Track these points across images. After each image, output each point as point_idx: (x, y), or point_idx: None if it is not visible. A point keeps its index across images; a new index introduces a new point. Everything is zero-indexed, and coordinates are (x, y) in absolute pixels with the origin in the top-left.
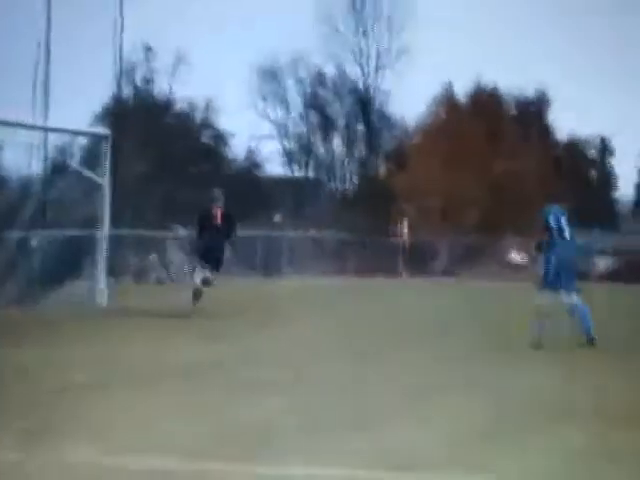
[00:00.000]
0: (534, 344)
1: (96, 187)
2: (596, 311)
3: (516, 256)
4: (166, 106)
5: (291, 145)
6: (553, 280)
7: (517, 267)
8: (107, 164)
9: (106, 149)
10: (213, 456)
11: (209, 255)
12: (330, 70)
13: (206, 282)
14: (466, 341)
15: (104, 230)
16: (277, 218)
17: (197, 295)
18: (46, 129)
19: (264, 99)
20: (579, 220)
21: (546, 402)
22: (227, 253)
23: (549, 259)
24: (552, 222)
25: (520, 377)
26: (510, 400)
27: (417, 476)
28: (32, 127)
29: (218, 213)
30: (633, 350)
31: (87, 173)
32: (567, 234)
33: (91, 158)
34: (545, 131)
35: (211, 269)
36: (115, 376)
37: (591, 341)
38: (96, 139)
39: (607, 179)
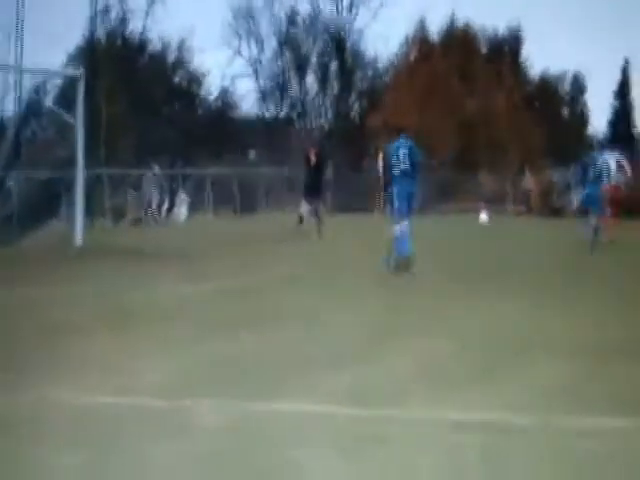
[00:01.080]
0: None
1: (70, 127)
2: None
3: (484, 216)
4: (140, 46)
5: (265, 83)
6: (400, 209)
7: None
8: (81, 104)
9: (80, 90)
10: (188, 392)
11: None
12: (304, 8)
13: (315, 213)
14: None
15: (79, 170)
16: (252, 156)
17: (300, 221)
18: (20, 69)
19: (238, 37)
20: (554, 157)
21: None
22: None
23: (392, 192)
24: (394, 157)
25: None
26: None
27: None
28: (5, 67)
29: (313, 154)
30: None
31: (61, 113)
32: (406, 166)
33: (65, 99)
34: (517, 69)
35: (316, 200)
36: (91, 315)
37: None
38: (70, 80)
39: (580, 116)
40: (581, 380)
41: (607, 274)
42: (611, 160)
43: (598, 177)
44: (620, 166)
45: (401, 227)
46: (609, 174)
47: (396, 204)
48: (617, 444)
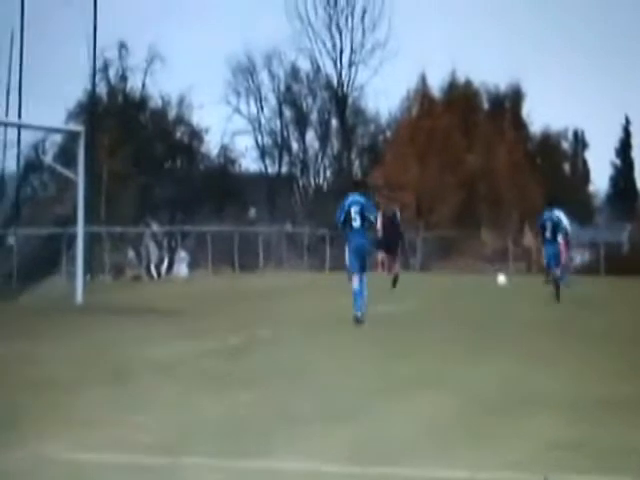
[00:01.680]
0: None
1: (71, 184)
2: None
3: (502, 278)
4: (140, 103)
5: (265, 140)
6: (352, 265)
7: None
8: (81, 161)
9: (81, 146)
10: (181, 450)
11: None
12: (304, 65)
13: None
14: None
15: (79, 227)
16: (252, 213)
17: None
18: (20, 126)
19: (238, 94)
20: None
21: None
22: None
23: (348, 247)
24: (350, 213)
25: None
26: None
27: None
28: (6, 124)
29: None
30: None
31: (62, 170)
32: (357, 223)
33: (66, 155)
34: (519, 125)
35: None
36: (91, 372)
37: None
38: (70, 136)
39: (581, 173)
40: None
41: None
42: (561, 216)
43: (553, 235)
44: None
45: (356, 282)
46: (563, 230)
47: (350, 260)
48: None
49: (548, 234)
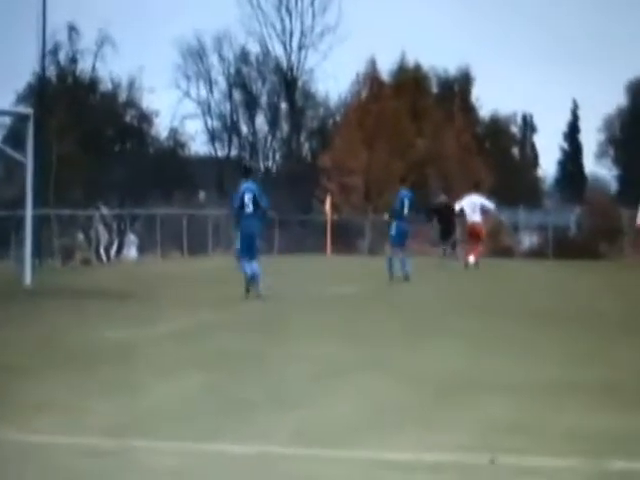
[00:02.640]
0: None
1: (20, 167)
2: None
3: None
4: (90, 85)
5: (214, 124)
6: (242, 249)
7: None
8: (30, 144)
9: (30, 128)
10: (132, 434)
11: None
12: (254, 48)
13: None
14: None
15: (28, 210)
16: (201, 196)
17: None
18: None
19: (188, 78)
20: (503, 197)
21: None
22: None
23: (240, 233)
24: (244, 199)
25: None
26: None
27: None
28: None
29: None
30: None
31: (10, 153)
32: (249, 209)
33: (15, 138)
34: (468, 109)
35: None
36: (41, 356)
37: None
38: (19, 119)
39: (530, 157)
40: None
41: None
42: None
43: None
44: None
45: (247, 266)
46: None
47: (241, 245)
48: None
49: (406, 211)
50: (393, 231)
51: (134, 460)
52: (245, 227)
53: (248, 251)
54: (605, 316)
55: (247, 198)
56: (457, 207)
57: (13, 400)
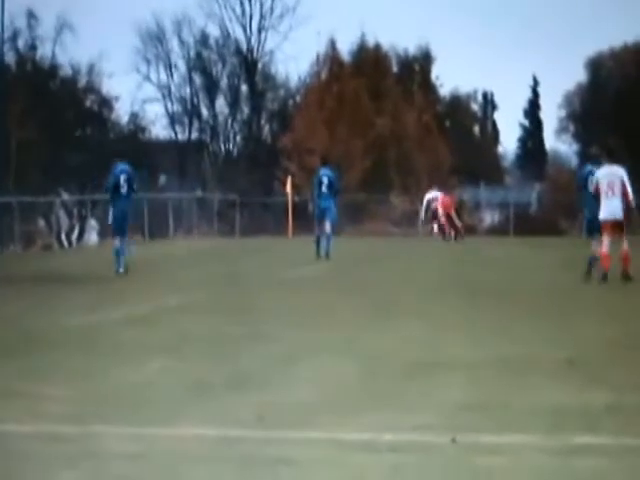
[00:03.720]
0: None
1: None
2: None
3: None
4: (50, 71)
5: (175, 107)
6: (116, 228)
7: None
8: None
9: None
10: (93, 419)
11: None
12: (214, 31)
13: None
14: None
15: None
16: (162, 180)
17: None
18: None
19: (147, 62)
20: (464, 176)
21: None
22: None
23: (113, 212)
24: (120, 180)
25: None
26: None
27: None
28: None
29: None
30: None
31: None
32: (124, 190)
33: None
34: (428, 88)
35: None
36: (2, 343)
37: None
38: None
39: (490, 134)
40: None
41: None
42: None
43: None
44: None
45: (118, 243)
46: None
47: (114, 223)
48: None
49: (324, 189)
50: (316, 210)
51: (94, 446)
52: (118, 207)
53: (121, 229)
54: (565, 291)
55: (122, 179)
56: (592, 181)
57: None
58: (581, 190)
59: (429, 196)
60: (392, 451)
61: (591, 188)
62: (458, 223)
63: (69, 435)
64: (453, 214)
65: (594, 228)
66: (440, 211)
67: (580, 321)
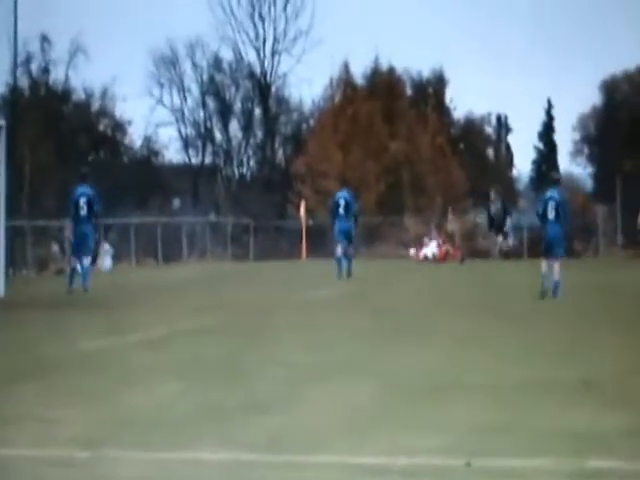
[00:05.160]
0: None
1: None
2: None
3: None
4: (63, 95)
5: (188, 131)
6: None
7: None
8: (3, 154)
9: (2, 139)
10: (107, 444)
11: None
12: (227, 55)
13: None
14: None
15: (1, 221)
16: (176, 204)
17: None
18: None
19: (161, 86)
20: (478, 199)
21: None
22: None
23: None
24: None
25: None
26: None
27: None
28: None
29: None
30: None
31: None
32: (84, 212)
33: None
34: (442, 111)
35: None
36: (13, 367)
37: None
38: None
39: (505, 157)
40: None
41: None
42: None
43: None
44: None
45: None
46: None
47: (75, 245)
48: None
49: (341, 211)
50: (335, 231)
51: (106, 471)
52: (78, 229)
53: (81, 251)
54: (583, 314)
55: (82, 202)
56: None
57: None
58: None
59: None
60: (406, 475)
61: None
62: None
63: (81, 460)
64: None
65: None
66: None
67: (598, 342)
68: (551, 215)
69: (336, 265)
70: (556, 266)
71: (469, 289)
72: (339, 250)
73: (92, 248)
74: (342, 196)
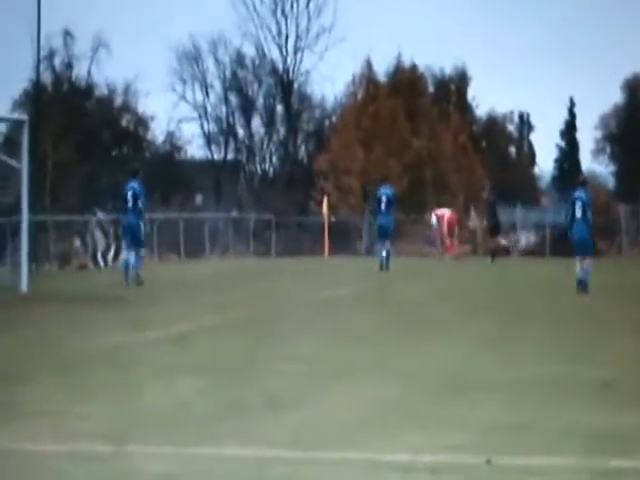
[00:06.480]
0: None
1: (16, 173)
2: None
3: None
4: (86, 91)
5: (211, 127)
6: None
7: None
8: (26, 150)
9: (25, 135)
10: (131, 439)
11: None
12: (250, 51)
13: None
14: None
15: (24, 216)
16: (198, 200)
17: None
18: None
19: (183, 82)
20: (500, 196)
21: None
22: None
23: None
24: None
25: None
26: None
27: None
28: None
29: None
30: None
31: (6, 159)
32: (130, 205)
33: (10, 144)
34: (464, 108)
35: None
36: (36, 362)
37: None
38: (15, 125)
39: (527, 155)
40: None
41: None
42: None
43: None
44: None
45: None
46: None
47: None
48: None
49: (383, 206)
50: (377, 227)
51: (130, 465)
52: (127, 220)
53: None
54: (603, 314)
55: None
56: None
57: (7, 408)
58: None
59: (438, 212)
60: (432, 472)
61: None
62: (454, 241)
63: (103, 454)
64: (455, 231)
65: None
66: (444, 229)
67: (619, 343)
68: (579, 214)
69: (378, 258)
70: (586, 263)
71: (493, 287)
72: (380, 244)
73: (142, 240)
74: (384, 192)
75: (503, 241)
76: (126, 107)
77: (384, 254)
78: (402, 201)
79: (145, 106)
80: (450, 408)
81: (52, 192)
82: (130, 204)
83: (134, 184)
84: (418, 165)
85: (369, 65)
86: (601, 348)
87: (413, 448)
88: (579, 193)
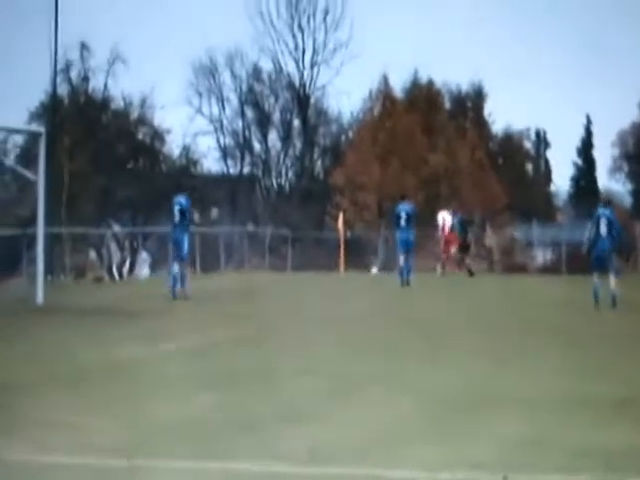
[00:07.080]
0: None
1: (32, 185)
2: None
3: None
4: (102, 103)
5: (227, 141)
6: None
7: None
8: (42, 162)
9: (42, 147)
10: (145, 452)
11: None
12: (266, 65)
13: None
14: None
15: (40, 228)
16: (214, 214)
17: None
18: None
19: (200, 95)
20: (516, 213)
21: None
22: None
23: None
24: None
25: None
26: None
27: None
28: None
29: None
30: None
31: (22, 171)
32: (177, 220)
33: (27, 157)
34: (481, 125)
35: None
36: (50, 374)
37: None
38: (32, 137)
39: (543, 172)
40: None
41: None
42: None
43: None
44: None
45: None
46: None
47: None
48: None
49: (403, 222)
50: (397, 242)
51: (143, 479)
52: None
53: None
54: (620, 330)
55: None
56: None
57: (21, 419)
58: None
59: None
60: None
61: None
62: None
63: (116, 468)
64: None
65: None
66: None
67: (635, 359)
68: (603, 231)
69: (398, 274)
70: (612, 279)
71: (507, 303)
72: (401, 260)
73: (186, 254)
74: (403, 208)
75: (468, 261)
76: (142, 120)
77: (404, 269)
78: (418, 217)
79: (161, 119)
80: (466, 424)
81: (68, 204)
82: (177, 219)
83: (181, 199)
84: (434, 181)
85: (385, 80)
86: (617, 365)
87: (430, 465)
88: (603, 210)
